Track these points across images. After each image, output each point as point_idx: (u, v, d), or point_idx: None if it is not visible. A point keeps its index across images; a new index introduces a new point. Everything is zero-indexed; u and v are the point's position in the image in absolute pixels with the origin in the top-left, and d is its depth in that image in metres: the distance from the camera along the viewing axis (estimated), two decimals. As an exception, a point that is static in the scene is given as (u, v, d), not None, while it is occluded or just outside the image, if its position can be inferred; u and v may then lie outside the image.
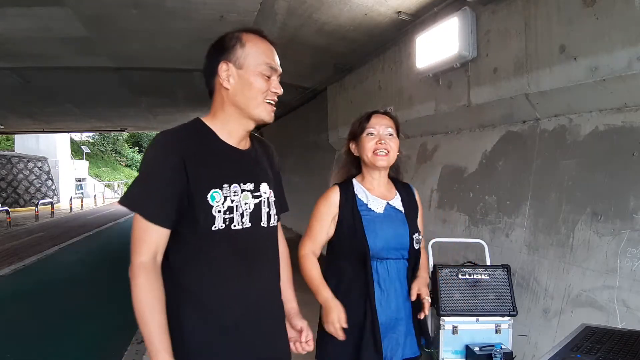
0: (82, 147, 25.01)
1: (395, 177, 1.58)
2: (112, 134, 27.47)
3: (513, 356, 1.99)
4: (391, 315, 1.40)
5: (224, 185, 1.02)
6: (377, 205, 1.45)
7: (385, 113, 1.51)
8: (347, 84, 5.48)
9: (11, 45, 4.66)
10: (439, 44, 3.16)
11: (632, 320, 1.84)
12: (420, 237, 1.49)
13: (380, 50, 4.40)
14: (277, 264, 1.19)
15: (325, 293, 1.36)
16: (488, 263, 2.37)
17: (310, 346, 1.19)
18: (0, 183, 15.48)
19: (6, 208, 11.19)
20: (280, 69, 1.09)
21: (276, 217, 1.15)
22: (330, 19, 3.84)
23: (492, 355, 1.93)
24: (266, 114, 1.07)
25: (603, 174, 2.14)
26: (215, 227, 1.00)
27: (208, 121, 1.08)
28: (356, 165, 1.54)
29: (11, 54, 5.02)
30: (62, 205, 16.88)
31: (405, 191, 1.55)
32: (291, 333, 1.21)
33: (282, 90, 1.08)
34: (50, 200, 15.02)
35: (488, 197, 2.90)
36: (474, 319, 2.07)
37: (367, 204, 1.45)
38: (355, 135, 1.50)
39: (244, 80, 1.04)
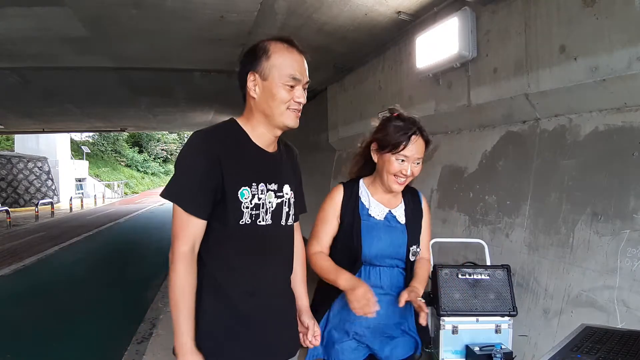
0: (82, 147, 25.00)
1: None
2: (112, 134, 27.46)
3: (513, 356, 1.99)
4: (380, 321, 1.38)
5: (253, 184, 1.10)
6: (378, 212, 1.43)
7: (423, 135, 1.42)
8: (347, 84, 5.49)
9: (11, 45, 4.66)
10: (439, 44, 3.16)
11: (632, 320, 1.84)
12: (418, 249, 1.46)
13: (380, 50, 4.40)
14: (292, 261, 1.27)
15: (345, 275, 1.32)
16: (488, 263, 2.38)
17: (317, 341, 1.30)
18: (0, 183, 15.47)
19: (6, 208, 11.19)
20: (305, 79, 1.14)
21: (294, 217, 1.24)
22: (330, 19, 3.84)
23: (492, 355, 1.93)
24: (290, 120, 1.14)
25: (603, 174, 2.14)
26: (242, 222, 1.09)
27: (242, 123, 1.16)
28: (371, 165, 1.49)
29: (11, 54, 5.02)
30: (62, 205, 16.88)
31: (412, 199, 1.51)
32: (300, 328, 1.31)
33: (305, 99, 1.14)
34: (50, 200, 15.01)
35: (488, 197, 2.90)
36: (474, 319, 2.07)
37: (368, 209, 1.42)
38: (385, 146, 1.39)
39: (267, 91, 1.10)
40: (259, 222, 1.12)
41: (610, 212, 2.05)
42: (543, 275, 2.34)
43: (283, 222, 1.19)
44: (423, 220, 1.51)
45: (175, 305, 1.05)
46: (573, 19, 2.21)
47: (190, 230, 1.06)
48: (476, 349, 1.98)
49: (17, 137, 18.29)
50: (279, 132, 1.18)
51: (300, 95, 1.13)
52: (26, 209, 15.20)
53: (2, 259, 6.61)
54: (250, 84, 1.11)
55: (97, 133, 27.38)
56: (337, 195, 1.46)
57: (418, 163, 1.40)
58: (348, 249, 1.39)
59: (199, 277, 1.08)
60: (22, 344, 3.34)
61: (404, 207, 1.48)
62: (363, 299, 1.24)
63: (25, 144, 18.05)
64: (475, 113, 3.09)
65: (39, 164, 17.20)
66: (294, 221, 1.27)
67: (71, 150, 21.93)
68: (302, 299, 1.34)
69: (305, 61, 1.15)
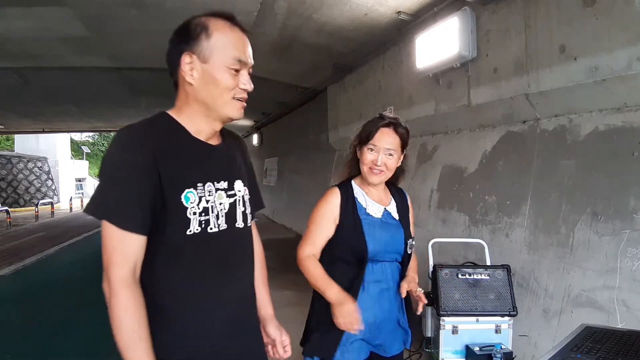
0: (82, 147, 25.03)
1: (393, 182, 1.59)
2: (112, 134, 27.48)
3: (513, 356, 1.99)
4: (383, 315, 1.43)
5: (198, 185, 0.93)
6: (375, 210, 1.47)
7: (395, 126, 1.47)
8: (347, 84, 5.48)
9: (11, 45, 4.66)
10: (439, 44, 3.16)
11: (632, 320, 1.84)
12: (414, 242, 1.53)
13: (380, 50, 4.40)
14: (252, 267, 1.11)
15: (334, 288, 1.34)
16: (488, 263, 2.37)
17: (288, 353, 1.17)
18: (0, 183, 15.48)
19: (6, 208, 11.19)
20: (251, 61, 0.97)
21: (251, 216, 1.07)
22: (330, 19, 3.85)
23: (492, 355, 1.93)
24: (235, 111, 0.97)
25: (603, 174, 2.14)
26: (190, 231, 0.91)
27: (175, 115, 0.97)
28: (358, 166, 1.54)
29: (11, 54, 5.02)
30: (62, 205, 16.89)
31: (399, 196, 1.58)
32: (266, 339, 1.16)
33: (252, 86, 0.97)
34: (50, 200, 15.01)
35: (488, 197, 2.90)
36: (474, 319, 2.07)
37: (365, 209, 1.46)
38: (360, 139, 1.48)
39: (208, 75, 0.93)
40: (210, 229, 0.94)
41: (610, 212, 2.05)
42: (543, 275, 2.34)
43: (239, 224, 1.02)
44: (410, 215, 1.58)
45: (126, 345, 0.84)
46: (573, 19, 2.21)
47: (128, 251, 0.85)
48: (476, 349, 1.99)
49: (17, 137, 18.30)
50: (219, 126, 1.00)
51: (247, 82, 0.96)
52: (26, 209, 15.20)
53: (2, 259, 6.61)
54: (185, 67, 0.92)
55: (97, 133, 27.41)
56: (334, 198, 1.45)
57: (390, 155, 1.44)
58: (353, 248, 1.41)
59: (146, 308, 0.88)
60: (22, 344, 3.34)
61: (395, 204, 1.54)
62: (349, 316, 1.27)
63: (25, 144, 18.05)
64: (475, 113, 3.09)
65: (39, 164, 17.20)
66: (251, 220, 1.10)
67: (71, 150, 21.94)
68: (267, 307, 1.17)
69: (249, 42, 0.97)
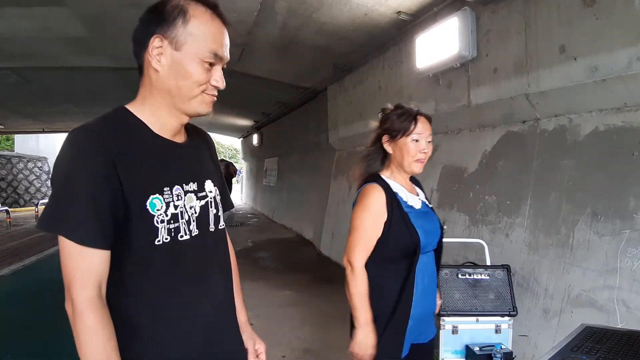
0: (82, 147, 25.01)
1: None
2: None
3: (513, 356, 1.99)
4: (430, 305, 1.43)
5: (165, 189, 0.84)
6: (415, 202, 1.45)
7: (426, 116, 1.47)
8: (347, 84, 5.49)
9: (11, 45, 4.67)
10: (439, 44, 3.16)
11: (632, 320, 1.84)
12: (445, 226, 1.53)
13: (380, 50, 4.40)
14: (230, 273, 1.04)
15: (367, 317, 1.34)
16: (488, 263, 2.38)
17: (262, 359, 1.14)
18: (0, 183, 15.48)
19: (6, 208, 11.18)
20: (227, 57, 0.88)
21: (222, 218, 1.00)
22: (330, 19, 3.85)
23: (492, 355, 1.93)
24: (203, 106, 0.88)
25: (603, 174, 2.14)
26: (158, 241, 0.83)
27: (136, 109, 0.88)
28: (382, 160, 1.50)
29: (11, 54, 5.03)
30: (62, 205, 16.88)
31: (417, 184, 1.57)
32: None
33: (224, 84, 0.88)
34: (50, 200, 15.02)
35: (488, 197, 2.90)
36: (474, 319, 2.07)
37: (407, 202, 1.42)
38: (396, 133, 1.42)
39: (178, 65, 0.83)
40: (181, 236, 0.86)
41: (610, 212, 2.05)
42: (543, 275, 2.34)
43: (212, 228, 0.94)
44: None
45: None
46: (573, 19, 2.21)
47: (90, 268, 0.76)
48: (476, 349, 1.99)
49: (17, 137, 18.31)
50: (186, 119, 0.91)
51: (220, 79, 0.87)
52: (26, 209, 15.20)
53: (2, 259, 6.61)
54: (154, 50, 0.83)
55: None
56: (380, 196, 1.37)
57: (429, 142, 1.45)
58: (404, 244, 1.36)
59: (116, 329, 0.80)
60: (22, 344, 3.34)
61: (421, 191, 1.54)
62: (366, 349, 1.29)
63: (25, 144, 18.05)
64: (475, 113, 3.09)
65: (39, 164, 17.20)
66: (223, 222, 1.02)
67: (71, 150, 21.94)
68: (241, 314, 1.09)
69: (228, 35, 0.89)
